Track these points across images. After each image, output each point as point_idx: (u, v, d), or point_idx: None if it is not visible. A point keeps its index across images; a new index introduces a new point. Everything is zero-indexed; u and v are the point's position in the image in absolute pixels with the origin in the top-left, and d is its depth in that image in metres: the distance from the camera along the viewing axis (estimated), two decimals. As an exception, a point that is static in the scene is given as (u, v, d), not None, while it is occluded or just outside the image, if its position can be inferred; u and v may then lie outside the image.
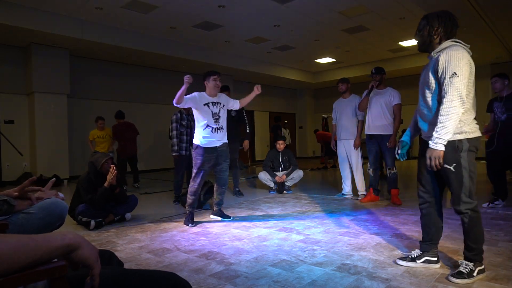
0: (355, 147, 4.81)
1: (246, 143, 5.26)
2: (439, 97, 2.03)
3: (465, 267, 2.03)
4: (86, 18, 7.12)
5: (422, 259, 2.25)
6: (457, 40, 2.05)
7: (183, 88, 3.32)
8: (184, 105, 3.46)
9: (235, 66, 10.41)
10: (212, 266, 2.41)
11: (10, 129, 7.37)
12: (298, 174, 5.64)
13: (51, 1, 6.27)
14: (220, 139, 3.66)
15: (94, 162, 3.63)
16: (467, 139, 2.00)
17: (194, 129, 3.77)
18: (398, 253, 2.55)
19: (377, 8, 6.97)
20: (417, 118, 2.28)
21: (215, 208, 3.90)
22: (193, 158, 3.67)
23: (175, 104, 3.42)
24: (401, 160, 2.43)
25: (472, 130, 2.03)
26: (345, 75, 9.88)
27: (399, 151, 2.37)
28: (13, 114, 7.64)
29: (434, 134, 1.98)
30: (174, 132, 4.81)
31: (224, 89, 4.78)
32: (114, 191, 3.68)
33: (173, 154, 4.81)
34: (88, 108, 8.69)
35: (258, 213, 4.14)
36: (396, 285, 2.00)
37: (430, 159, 2.00)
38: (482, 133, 4.67)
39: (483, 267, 2.07)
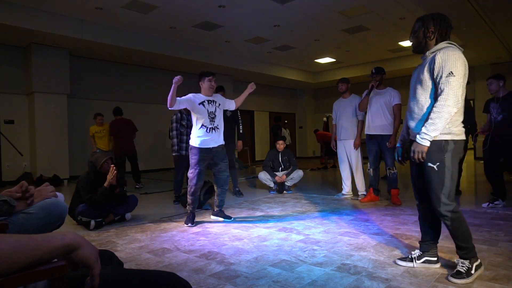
0: (355, 147, 4.81)
1: (239, 143, 5.22)
2: (435, 96, 2.05)
3: (462, 266, 2.04)
4: (86, 18, 7.12)
5: (422, 259, 2.25)
6: (452, 42, 2.08)
7: (172, 89, 3.25)
8: (178, 106, 3.41)
9: (235, 66, 10.41)
10: (212, 266, 2.41)
11: (10, 129, 7.37)
12: (298, 174, 5.64)
13: (51, 1, 6.27)
14: (215, 139, 3.60)
15: (94, 162, 3.63)
16: (453, 140, 2.03)
17: None
18: (398, 253, 2.56)
19: (377, 8, 6.97)
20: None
21: (215, 208, 3.89)
22: (190, 158, 3.67)
23: (169, 108, 3.39)
24: (403, 164, 2.45)
25: (459, 133, 2.05)
26: (345, 75, 9.88)
27: (400, 158, 2.38)
28: (13, 114, 7.64)
29: (423, 129, 2.01)
30: (174, 132, 4.81)
31: (218, 90, 4.74)
32: (114, 191, 3.68)
33: (173, 154, 4.82)
34: (88, 108, 8.68)
35: (258, 213, 4.14)
36: (396, 285, 2.00)
37: (414, 152, 2.05)
38: (479, 132, 4.67)
39: (479, 261, 2.08)
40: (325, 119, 11.34)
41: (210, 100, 3.62)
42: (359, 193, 4.86)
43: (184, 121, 4.87)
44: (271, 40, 8.99)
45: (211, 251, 2.74)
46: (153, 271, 0.99)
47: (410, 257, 2.29)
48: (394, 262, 2.35)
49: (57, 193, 1.74)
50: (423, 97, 2.09)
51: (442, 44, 2.07)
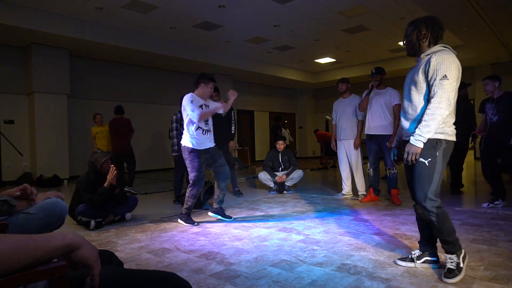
0: (355, 147, 4.81)
1: (231, 143, 5.18)
2: (428, 97, 2.08)
3: (451, 262, 2.07)
4: (86, 18, 7.12)
5: (422, 259, 2.25)
6: (446, 45, 2.11)
7: (213, 110, 3.64)
8: None
9: (235, 66, 10.41)
10: (212, 266, 2.41)
11: (10, 129, 7.37)
12: (298, 174, 5.64)
13: (51, 1, 6.27)
14: (210, 140, 3.71)
15: (94, 162, 3.63)
16: (446, 140, 2.07)
17: None
18: (398, 253, 2.56)
19: (377, 8, 6.97)
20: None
21: (215, 206, 3.85)
22: (189, 162, 3.61)
23: (198, 122, 3.51)
24: (399, 164, 2.47)
25: (452, 133, 2.10)
26: (345, 75, 9.87)
27: (395, 158, 2.40)
28: (13, 114, 7.64)
29: (417, 131, 2.05)
30: (174, 132, 4.81)
31: (214, 90, 4.75)
32: (114, 191, 3.68)
33: (173, 154, 4.81)
34: (88, 108, 8.68)
35: (258, 213, 4.14)
36: (396, 285, 2.00)
37: (408, 153, 2.08)
38: (475, 132, 4.68)
39: (463, 252, 2.12)
40: (328, 117, 11.33)
41: (206, 105, 3.72)
42: (359, 193, 4.86)
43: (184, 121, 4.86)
44: (271, 40, 8.99)
45: (211, 251, 2.74)
46: (153, 271, 0.99)
47: (410, 257, 2.30)
48: (394, 262, 2.35)
49: (58, 193, 1.74)
50: (417, 98, 2.13)
51: (437, 47, 2.11)
